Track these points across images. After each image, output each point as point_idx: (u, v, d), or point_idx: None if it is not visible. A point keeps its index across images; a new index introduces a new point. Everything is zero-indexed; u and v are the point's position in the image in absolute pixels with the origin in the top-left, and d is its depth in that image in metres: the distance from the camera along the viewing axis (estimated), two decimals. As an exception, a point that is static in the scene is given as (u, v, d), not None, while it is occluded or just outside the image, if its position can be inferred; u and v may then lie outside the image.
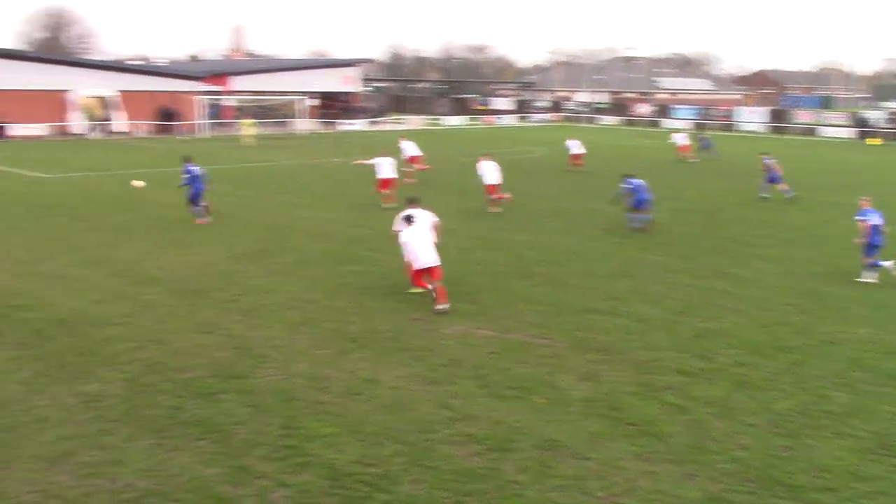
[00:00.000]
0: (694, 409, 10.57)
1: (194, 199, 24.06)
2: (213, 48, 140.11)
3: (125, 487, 8.39)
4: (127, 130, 60.44)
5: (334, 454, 9.16)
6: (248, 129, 56.85)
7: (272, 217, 24.79)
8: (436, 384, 11.33)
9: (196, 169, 24.27)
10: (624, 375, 11.77)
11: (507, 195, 27.22)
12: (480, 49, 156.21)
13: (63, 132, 57.53)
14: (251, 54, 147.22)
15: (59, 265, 18.09)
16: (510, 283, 17.11)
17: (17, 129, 54.61)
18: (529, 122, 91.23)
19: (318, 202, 28.04)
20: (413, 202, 17.29)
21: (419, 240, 15.12)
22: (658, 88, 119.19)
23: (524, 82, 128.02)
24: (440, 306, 14.69)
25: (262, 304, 15.25)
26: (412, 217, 15.80)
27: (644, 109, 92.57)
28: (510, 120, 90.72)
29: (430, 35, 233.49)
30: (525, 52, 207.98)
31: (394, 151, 31.22)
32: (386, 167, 27.49)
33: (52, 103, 57.69)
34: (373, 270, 18.02)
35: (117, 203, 27.08)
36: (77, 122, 58.74)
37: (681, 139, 47.08)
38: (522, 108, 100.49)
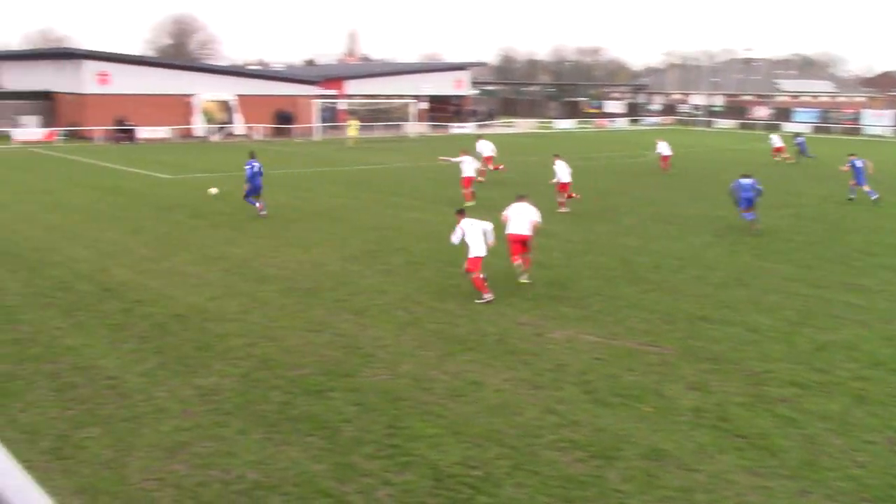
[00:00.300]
0: (808, 423, 10.19)
1: (250, 193, 25.16)
2: (329, 53, 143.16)
3: (237, 479, 8.66)
4: (245, 133, 62.42)
5: (438, 455, 9.22)
6: (352, 130, 58.18)
7: (382, 219, 25.17)
8: (541, 388, 11.27)
9: (256, 165, 25.09)
10: (735, 386, 11.44)
11: (576, 195, 27.21)
12: (593, 51, 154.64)
13: (186, 135, 59.87)
14: (365, 58, 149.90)
15: (179, 262, 18.83)
16: (618, 289, 16.87)
17: (143, 133, 57.13)
18: (641, 125, 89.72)
19: (428, 204, 28.31)
20: (521, 197, 17.97)
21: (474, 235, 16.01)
22: (778, 91, 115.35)
23: (637, 85, 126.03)
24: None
25: (371, 304, 15.50)
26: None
27: (762, 112, 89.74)
28: (622, 123, 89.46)
29: (541, 38, 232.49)
30: (638, 54, 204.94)
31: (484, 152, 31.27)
32: (468, 166, 28.83)
33: (176, 107, 60.09)
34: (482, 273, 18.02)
35: (234, 203, 27.96)
36: (199, 126, 61.02)
37: (776, 141, 46.67)
38: (635, 110, 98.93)
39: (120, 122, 56.62)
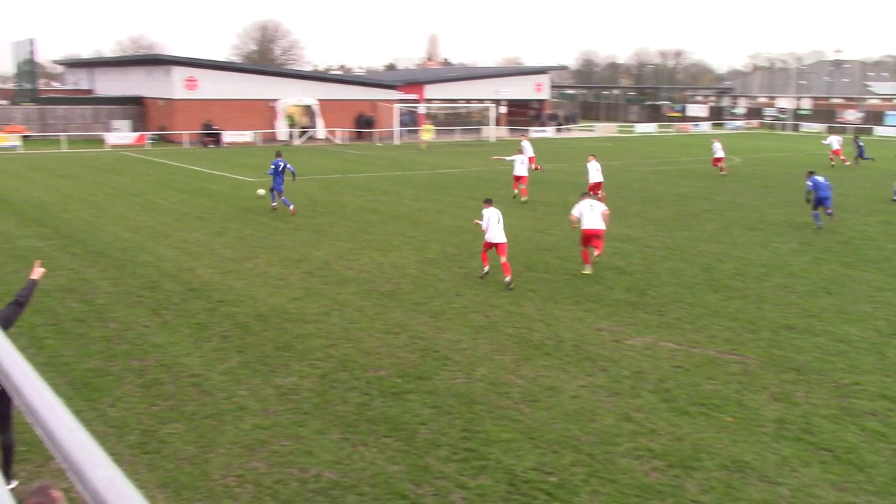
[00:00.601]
0: (900, 438, 9.80)
1: (277, 190, 26.80)
2: (410, 57, 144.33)
3: (314, 478, 8.77)
4: (327, 137, 63.35)
5: (513, 460, 9.18)
6: (426, 134, 58.80)
7: (461, 222, 25.21)
8: (618, 395, 11.12)
9: (281, 163, 26.72)
10: (821, 398, 11.09)
11: (603, 193, 28.27)
12: (675, 54, 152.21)
13: (270, 139, 61.06)
14: (445, 62, 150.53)
15: (261, 263, 19.19)
16: (699, 296, 16.55)
17: (229, 136, 58.49)
18: (725, 129, 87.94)
19: (505, 208, 28.18)
20: (585, 194, 19.88)
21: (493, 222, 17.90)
22: (869, 94, 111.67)
23: (721, 88, 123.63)
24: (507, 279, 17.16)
25: (448, 307, 15.54)
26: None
27: (852, 116, 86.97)
28: (705, 127, 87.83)
29: (623, 40, 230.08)
30: (722, 56, 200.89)
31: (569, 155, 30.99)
32: (519, 165, 30.53)
33: (260, 111, 61.36)
34: (559, 279, 17.94)
35: (316, 205, 28.41)
36: (282, 130, 62.16)
37: (835, 143, 46.18)
38: (718, 114, 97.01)
39: (207, 126, 58.09)
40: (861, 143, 47.72)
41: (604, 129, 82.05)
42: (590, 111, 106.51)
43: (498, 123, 73.68)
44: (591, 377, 11.84)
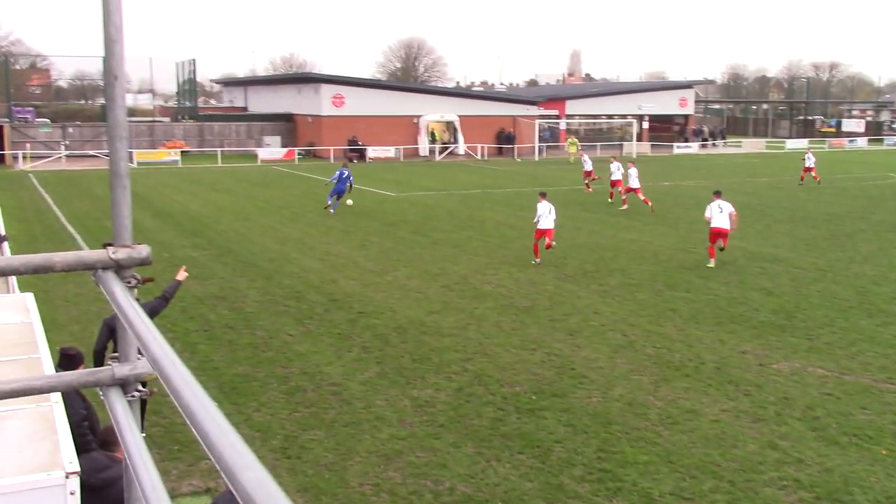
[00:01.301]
0: None
1: (333, 193, 30.51)
2: (551, 73, 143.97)
3: (447, 490, 8.85)
4: (467, 152, 63.97)
5: (649, 483, 8.98)
6: (572, 147, 58.85)
7: (599, 238, 24.94)
8: (763, 422, 10.71)
9: (346, 171, 30.73)
10: None
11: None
12: (830, 67, 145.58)
13: (412, 154, 62.20)
14: (587, 77, 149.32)
15: (401, 276, 19.55)
16: (853, 320, 15.74)
17: (373, 152, 59.99)
18: (885, 145, 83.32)
19: (646, 226, 27.73)
20: (718, 193, 21.64)
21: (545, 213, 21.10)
22: None
23: (879, 102, 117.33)
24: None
25: (585, 324, 15.38)
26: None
27: None
28: (861, 143, 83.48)
29: (773, 53, 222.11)
30: (882, 68, 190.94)
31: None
32: (615, 171, 33.73)
33: (403, 127, 62.63)
34: (702, 298, 17.47)
35: (455, 220, 28.73)
36: (424, 145, 63.22)
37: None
38: (877, 130, 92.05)
39: (352, 142, 59.77)
40: None
41: (752, 145, 79.26)
42: (737, 126, 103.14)
43: (640, 139, 72.45)
44: (733, 401, 11.45)
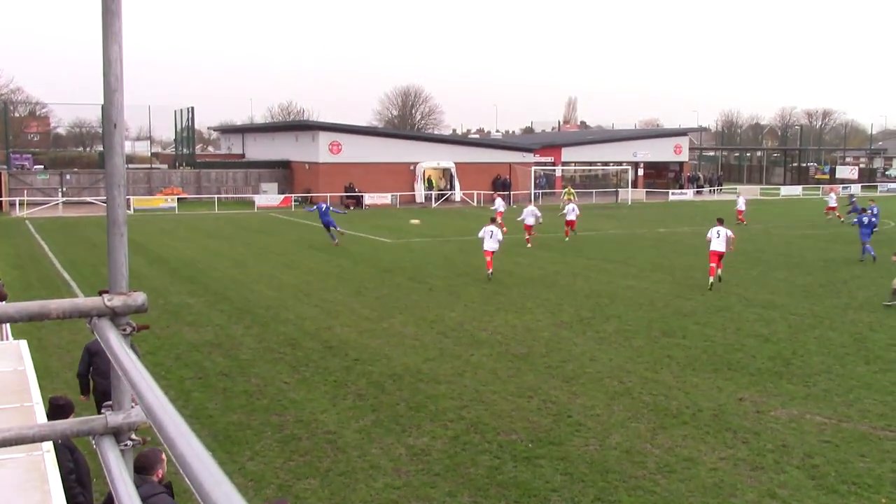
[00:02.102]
0: None
1: (329, 227, 34.75)
2: (547, 120, 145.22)
3: (444, 541, 8.73)
4: (464, 199, 64.26)
5: (648, 533, 8.87)
6: (567, 195, 59.42)
7: (595, 285, 24.95)
8: (761, 470, 10.63)
9: (324, 205, 35.60)
10: None
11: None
12: (823, 114, 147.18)
13: (408, 201, 62.47)
14: (583, 125, 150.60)
15: (397, 323, 19.51)
16: (850, 367, 15.71)
17: (369, 198, 60.24)
18: (878, 192, 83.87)
19: (643, 272, 27.78)
20: (720, 220, 25.36)
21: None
22: None
23: (873, 149, 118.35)
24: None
25: (582, 372, 15.33)
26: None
27: None
28: (855, 189, 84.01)
29: (767, 101, 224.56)
30: (874, 116, 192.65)
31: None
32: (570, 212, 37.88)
33: (400, 174, 62.99)
34: (699, 345, 17.44)
35: (451, 266, 28.75)
36: (420, 192, 63.51)
37: (832, 200, 49.87)
38: (870, 176, 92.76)
39: (348, 189, 60.04)
40: (853, 201, 48.34)
41: (746, 192, 79.71)
42: (732, 173, 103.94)
43: (635, 186, 72.90)
44: (731, 449, 11.38)
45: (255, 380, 14.71)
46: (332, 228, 34.80)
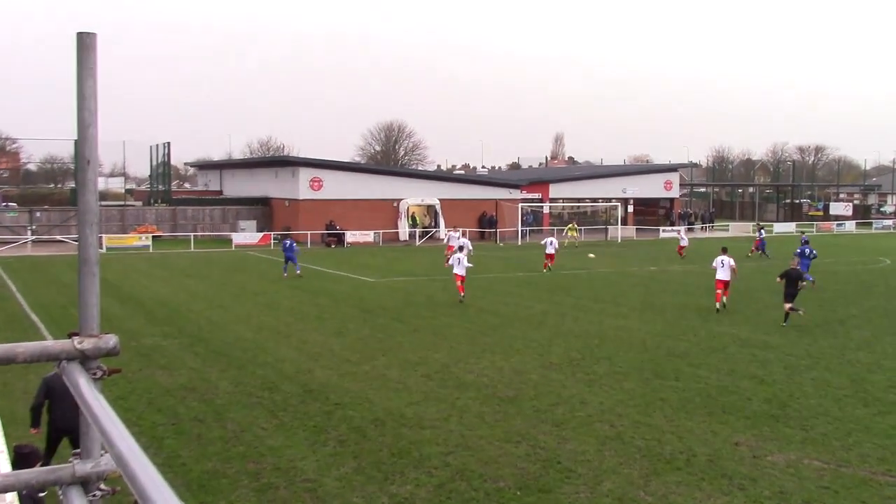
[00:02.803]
0: None
1: (288, 260, 37.46)
2: (534, 156, 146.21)
3: None
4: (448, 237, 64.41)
5: (642, 585, 8.79)
6: (571, 231, 60.56)
7: (585, 325, 24.96)
8: (758, 518, 10.57)
9: (287, 242, 38.15)
10: None
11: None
12: (816, 150, 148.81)
13: (392, 238, 62.52)
14: (571, 161, 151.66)
15: (380, 366, 19.42)
16: (848, 410, 15.72)
17: (351, 236, 60.26)
18: (873, 229, 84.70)
19: (633, 311, 27.82)
20: (724, 250, 28.44)
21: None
22: None
23: (867, 185, 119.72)
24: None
25: (572, 415, 15.27)
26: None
27: None
28: (850, 226, 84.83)
29: (758, 136, 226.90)
30: (867, 151, 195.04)
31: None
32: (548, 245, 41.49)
33: (383, 211, 63.10)
34: (692, 387, 17.42)
35: (436, 307, 28.71)
36: (404, 229, 63.61)
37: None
38: (864, 213, 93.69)
39: (330, 226, 60.05)
40: (761, 236, 51.63)
41: (738, 229, 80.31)
42: (724, 210, 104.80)
43: (625, 223, 73.28)
44: (727, 496, 11.33)
45: (230, 425, 14.57)
46: (290, 263, 37.66)
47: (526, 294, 32.46)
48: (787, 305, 25.17)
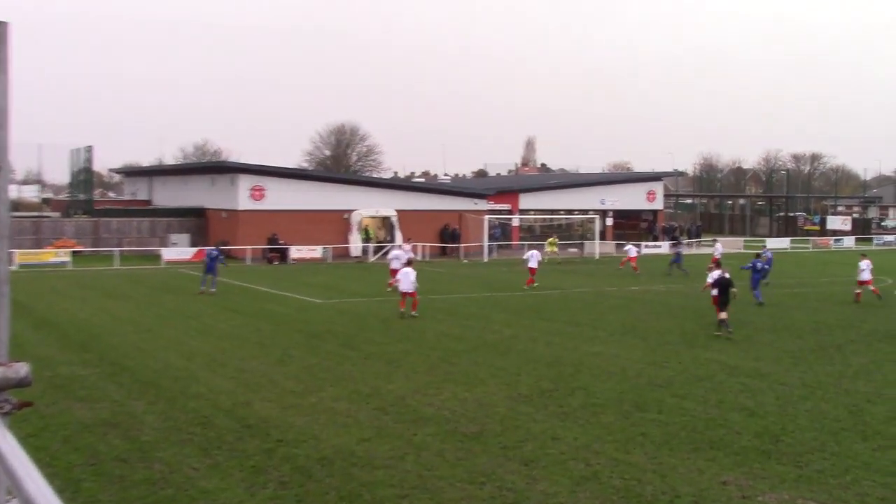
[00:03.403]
0: None
1: (209, 274, 39.07)
2: (502, 162, 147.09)
3: None
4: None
5: None
6: (551, 246, 61.19)
7: (558, 351, 25.09)
8: (747, 565, 10.69)
9: (213, 252, 39.92)
10: None
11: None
12: (812, 158, 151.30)
13: (342, 254, 62.39)
14: (543, 168, 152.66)
15: (327, 398, 19.35)
16: (845, 444, 15.96)
17: (296, 252, 60.03)
18: (873, 245, 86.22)
19: (612, 336, 28.04)
20: (718, 263, 32.46)
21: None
22: None
23: (866, 197, 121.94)
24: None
25: (543, 453, 15.33)
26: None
27: None
28: (849, 242, 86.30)
29: (749, 143, 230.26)
30: (868, 161, 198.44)
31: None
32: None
33: (332, 224, 63.01)
34: (677, 421, 17.58)
35: (391, 331, 28.70)
36: (356, 244, 63.52)
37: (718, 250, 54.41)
38: (864, 228, 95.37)
39: (272, 240, 59.79)
40: (678, 251, 54.18)
41: (728, 244, 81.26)
42: (712, 223, 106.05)
43: (604, 237, 73.85)
44: (713, 541, 11.43)
45: (158, 465, 14.43)
46: (210, 276, 39.14)
47: (493, 317, 32.56)
48: (722, 315, 28.17)
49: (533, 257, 44.04)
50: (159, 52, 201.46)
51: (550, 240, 63.39)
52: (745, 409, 18.50)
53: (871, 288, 38.56)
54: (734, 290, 29.49)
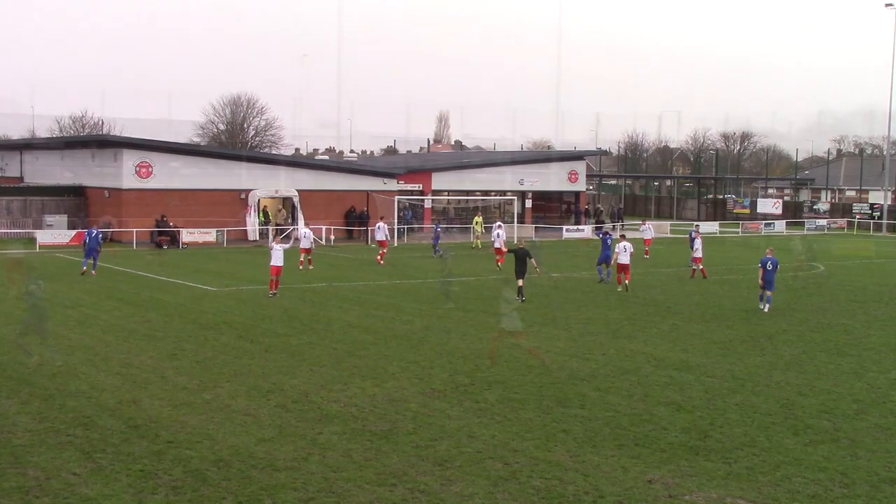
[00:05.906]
0: None
1: (91, 256, 40.54)
2: (413, 139, 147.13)
3: None
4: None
5: None
6: (477, 226, 61.71)
7: (474, 343, 25.21)
8: (675, 568, 10.90)
9: (93, 231, 41.73)
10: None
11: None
12: (742, 137, 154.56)
13: (239, 238, 61.66)
14: (458, 145, 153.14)
15: (224, 394, 19.15)
16: (776, 439, 16.39)
17: (188, 235, 59.13)
18: (805, 229, 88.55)
19: (531, 326, 28.22)
20: (623, 236, 37.42)
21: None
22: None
23: (798, 179, 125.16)
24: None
25: (458, 452, 15.40)
26: None
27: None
28: (780, 226, 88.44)
29: (677, 121, 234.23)
30: (800, 141, 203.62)
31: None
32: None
33: (228, 205, 62.15)
34: (600, 416, 17.83)
35: (293, 322, 28.51)
36: (254, 227, 62.84)
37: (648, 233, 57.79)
38: (796, 211, 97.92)
39: (161, 223, 58.80)
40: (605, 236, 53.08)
41: (654, 228, 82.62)
42: (637, 206, 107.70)
43: (522, 220, 74.40)
44: (639, 543, 11.63)
45: (32, 471, 14.12)
46: (92, 259, 40.60)
47: (404, 306, 32.57)
48: (520, 281, 33.17)
49: (497, 237, 47.15)
50: (30, 8, 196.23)
51: (476, 219, 63.87)
52: (672, 404, 18.84)
53: (700, 267, 42.59)
54: (531, 259, 33.56)
